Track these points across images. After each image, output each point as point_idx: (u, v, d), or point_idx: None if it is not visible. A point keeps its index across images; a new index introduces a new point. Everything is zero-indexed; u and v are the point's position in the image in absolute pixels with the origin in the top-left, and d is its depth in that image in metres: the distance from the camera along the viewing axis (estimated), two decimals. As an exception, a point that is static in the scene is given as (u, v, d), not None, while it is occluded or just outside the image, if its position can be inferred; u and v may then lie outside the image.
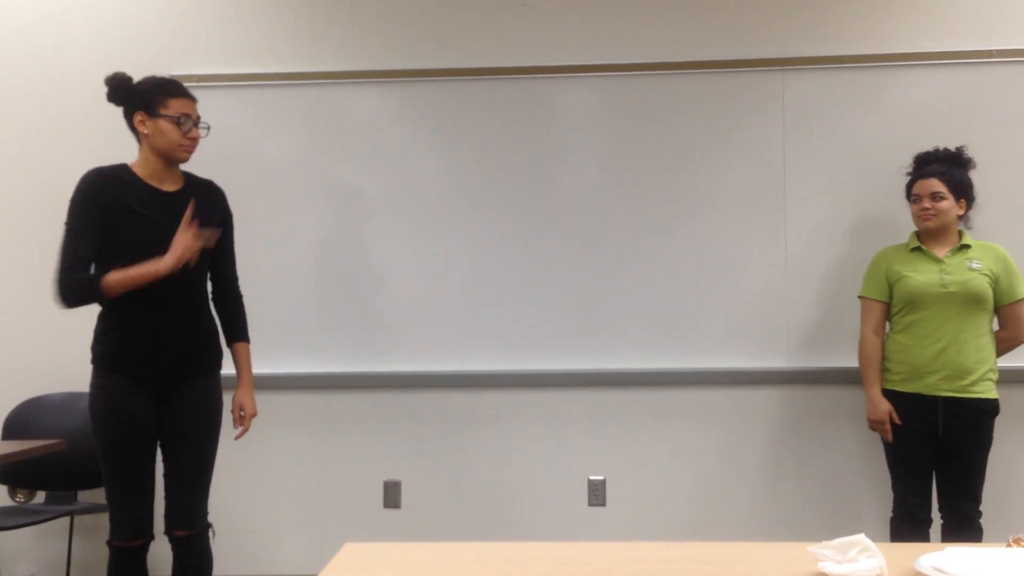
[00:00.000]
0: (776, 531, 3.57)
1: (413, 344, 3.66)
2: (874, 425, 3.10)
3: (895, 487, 3.11)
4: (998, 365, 3.08)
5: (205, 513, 2.76)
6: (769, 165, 3.60)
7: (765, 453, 3.61)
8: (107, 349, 2.64)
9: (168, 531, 2.72)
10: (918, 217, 3.10)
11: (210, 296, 2.85)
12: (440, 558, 1.68)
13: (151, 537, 2.70)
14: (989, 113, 3.53)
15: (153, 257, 2.55)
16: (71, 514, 3.47)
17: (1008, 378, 3.26)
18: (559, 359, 3.64)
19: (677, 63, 3.62)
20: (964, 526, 2.97)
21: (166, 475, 2.73)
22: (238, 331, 2.91)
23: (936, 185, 3.05)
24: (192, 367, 2.73)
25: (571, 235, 3.65)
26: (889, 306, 3.14)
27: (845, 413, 3.53)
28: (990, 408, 3.01)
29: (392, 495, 3.68)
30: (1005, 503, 3.01)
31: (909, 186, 3.17)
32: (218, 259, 2.83)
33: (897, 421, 3.04)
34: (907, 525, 3.04)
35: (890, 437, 3.05)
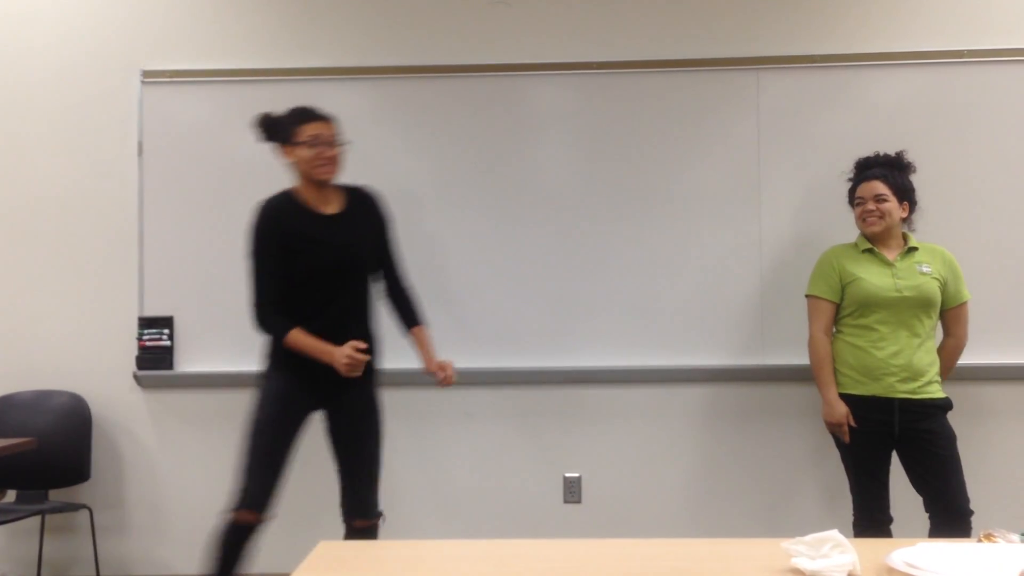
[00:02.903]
0: (751, 527, 3.59)
1: (387, 341, 3.64)
2: (831, 427, 3.10)
3: (854, 491, 3.11)
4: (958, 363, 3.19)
5: (378, 504, 2.95)
6: (744, 163, 3.62)
7: (741, 450, 3.63)
8: (282, 358, 2.85)
9: (348, 521, 2.92)
10: (862, 220, 3.11)
11: (385, 293, 3.04)
12: (415, 556, 1.67)
13: (269, 517, 2.82)
14: (961, 112, 3.57)
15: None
16: (42, 513, 3.44)
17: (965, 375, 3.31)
18: (534, 356, 3.64)
19: (653, 61, 3.64)
20: (958, 521, 2.94)
21: (344, 471, 2.93)
22: (416, 318, 3.06)
23: (879, 187, 3.07)
24: (357, 379, 2.86)
25: (546, 233, 3.65)
26: (838, 307, 3.15)
27: (821, 410, 3.55)
28: (943, 403, 3.03)
29: (368, 493, 3.66)
30: (976, 500, 3.04)
31: (851, 191, 3.18)
32: (384, 261, 3.01)
33: (854, 424, 3.04)
34: (870, 528, 3.04)
35: (847, 439, 3.05)
